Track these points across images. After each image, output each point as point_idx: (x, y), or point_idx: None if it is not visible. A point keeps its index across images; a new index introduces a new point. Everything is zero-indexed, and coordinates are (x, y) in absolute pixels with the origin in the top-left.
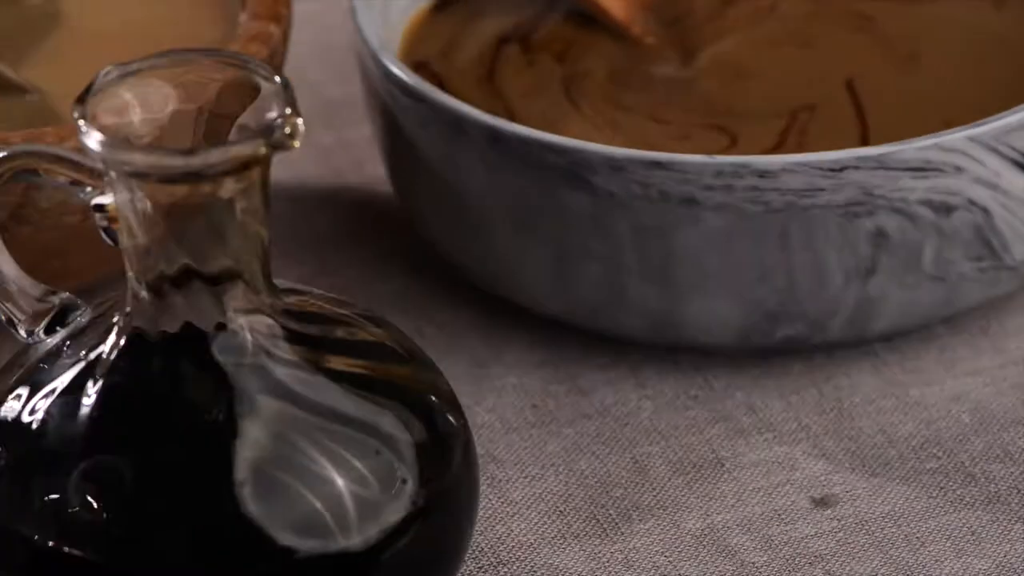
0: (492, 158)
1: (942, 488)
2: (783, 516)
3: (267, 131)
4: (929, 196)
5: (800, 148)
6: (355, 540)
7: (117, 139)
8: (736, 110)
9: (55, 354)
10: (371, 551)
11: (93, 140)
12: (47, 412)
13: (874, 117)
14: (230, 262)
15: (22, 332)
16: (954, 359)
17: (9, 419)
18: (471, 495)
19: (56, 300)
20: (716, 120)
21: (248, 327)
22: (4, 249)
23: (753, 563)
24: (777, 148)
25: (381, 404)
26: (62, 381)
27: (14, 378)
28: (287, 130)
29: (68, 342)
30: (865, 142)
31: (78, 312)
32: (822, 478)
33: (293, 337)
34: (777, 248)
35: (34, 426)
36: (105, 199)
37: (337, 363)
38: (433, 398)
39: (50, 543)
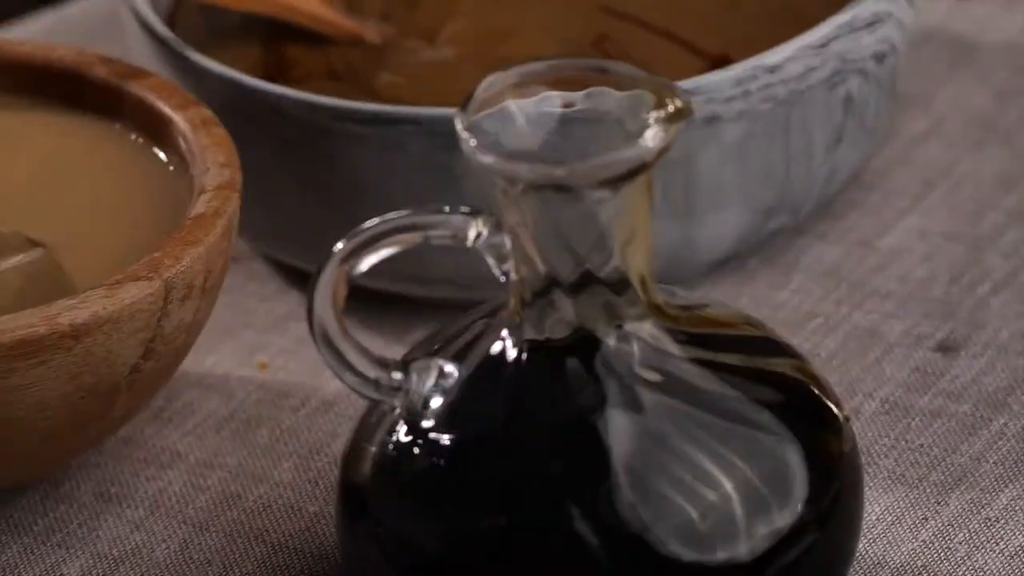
0: None
1: None
2: (933, 372)
3: (684, 103)
4: (875, 48)
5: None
6: (742, 549)
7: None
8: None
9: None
10: (759, 562)
11: (513, 165)
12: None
13: (668, 22)
14: (622, 265)
15: (400, 405)
16: (874, 209)
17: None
18: (858, 500)
19: (411, 368)
20: None
21: (637, 331)
22: (353, 343)
23: (961, 412)
24: None
25: (769, 407)
26: (480, 420)
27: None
28: (684, 101)
29: (457, 389)
30: (691, 47)
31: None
32: (915, 332)
33: (680, 341)
34: (780, 140)
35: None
36: (496, 232)
37: (722, 368)
38: (818, 398)
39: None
